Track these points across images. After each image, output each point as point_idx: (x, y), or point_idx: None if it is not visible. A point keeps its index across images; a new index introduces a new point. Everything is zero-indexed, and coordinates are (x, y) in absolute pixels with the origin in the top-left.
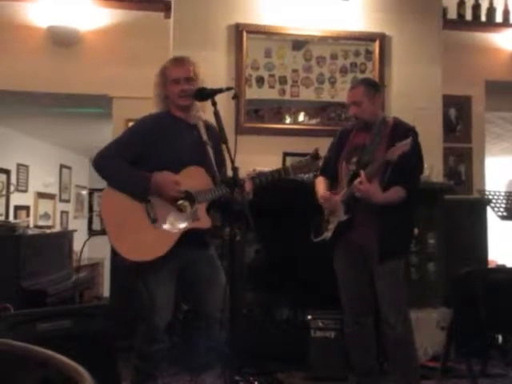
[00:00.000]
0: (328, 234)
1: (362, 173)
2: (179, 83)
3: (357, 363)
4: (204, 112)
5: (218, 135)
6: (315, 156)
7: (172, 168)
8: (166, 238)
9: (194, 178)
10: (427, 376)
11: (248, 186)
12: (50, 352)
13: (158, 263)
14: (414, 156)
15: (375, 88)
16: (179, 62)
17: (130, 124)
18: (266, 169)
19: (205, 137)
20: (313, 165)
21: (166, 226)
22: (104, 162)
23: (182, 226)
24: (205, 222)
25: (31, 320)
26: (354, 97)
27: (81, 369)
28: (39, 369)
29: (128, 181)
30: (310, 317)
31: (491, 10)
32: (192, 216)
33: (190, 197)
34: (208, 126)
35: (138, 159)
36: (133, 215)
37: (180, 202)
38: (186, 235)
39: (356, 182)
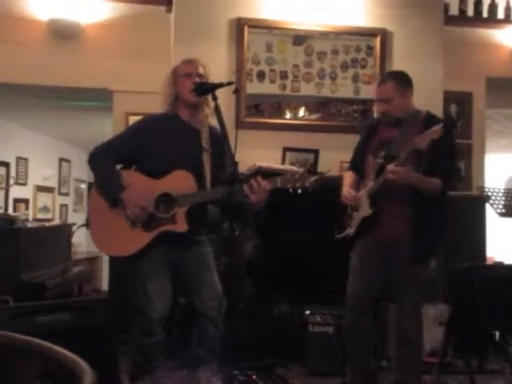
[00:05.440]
0: (351, 230)
1: (390, 165)
2: (191, 77)
3: (353, 356)
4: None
5: (222, 140)
6: (310, 171)
7: (162, 170)
8: (139, 237)
9: (178, 182)
10: (425, 371)
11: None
12: (49, 344)
13: (149, 257)
14: (449, 150)
15: (406, 82)
16: (190, 59)
17: (130, 118)
18: (266, 164)
19: (205, 143)
20: (307, 178)
21: (142, 227)
22: (93, 158)
23: (158, 227)
24: (181, 226)
25: (30, 312)
26: (382, 93)
27: (81, 361)
28: (39, 361)
29: (104, 184)
30: (308, 312)
31: (493, 6)
32: (169, 218)
33: (171, 199)
34: (213, 132)
35: (133, 158)
36: (115, 214)
37: (160, 204)
38: (167, 235)
39: (388, 167)
